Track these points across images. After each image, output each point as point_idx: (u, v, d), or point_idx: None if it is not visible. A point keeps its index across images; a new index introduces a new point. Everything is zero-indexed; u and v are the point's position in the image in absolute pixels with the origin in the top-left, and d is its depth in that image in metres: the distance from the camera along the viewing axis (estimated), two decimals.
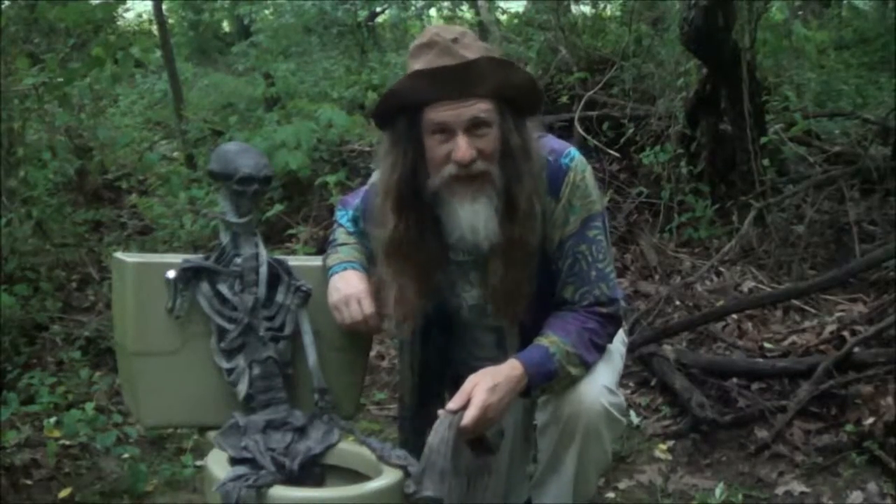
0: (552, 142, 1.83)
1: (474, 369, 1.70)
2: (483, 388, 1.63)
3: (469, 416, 1.60)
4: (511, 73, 1.69)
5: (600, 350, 1.79)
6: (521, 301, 1.78)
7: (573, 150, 1.81)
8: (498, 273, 1.75)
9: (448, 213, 1.73)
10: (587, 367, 1.76)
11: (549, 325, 1.78)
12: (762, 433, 2.72)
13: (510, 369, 1.69)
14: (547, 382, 1.73)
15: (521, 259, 1.75)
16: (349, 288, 1.89)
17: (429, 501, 1.56)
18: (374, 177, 1.93)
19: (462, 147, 1.67)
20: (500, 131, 1.70)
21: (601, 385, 1.76)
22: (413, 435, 1.93)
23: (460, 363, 1.96)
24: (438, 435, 1.59)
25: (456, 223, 1.73)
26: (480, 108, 1.67)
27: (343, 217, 2.07)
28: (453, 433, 1.59)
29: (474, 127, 1.67)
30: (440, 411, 1.63)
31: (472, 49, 1.69)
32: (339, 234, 2.03)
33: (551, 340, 1.74)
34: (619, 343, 1.93)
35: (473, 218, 1.71)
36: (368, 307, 1.88)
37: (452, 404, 1.62)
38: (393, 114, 1.74)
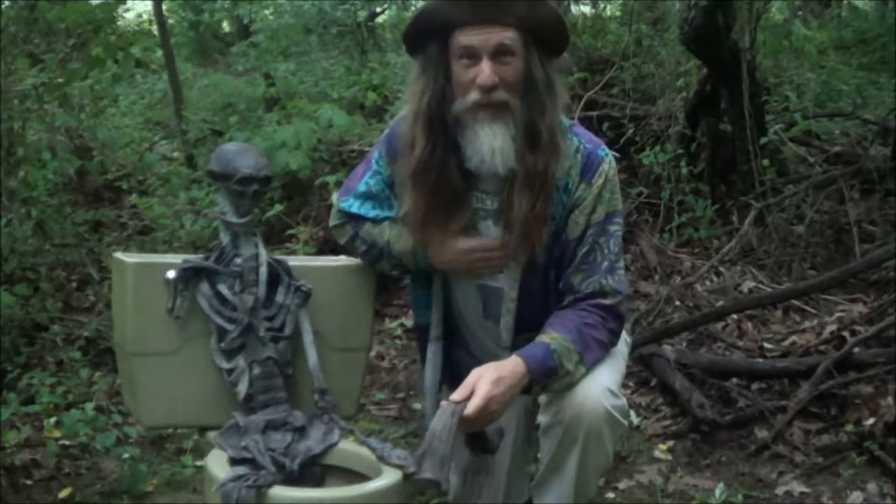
0: (588, 133, 1.89)
1: (471, 357, 1.70)
2: (487, 379, 1.63)
3: (472, 406, 1.60)
4: (539, 6, 1.74)
5: (602, 347, 1.80)
6: (540, 235, 1.79)
7: (607, 148, 1.87)
8: (521, 206, 1.77)
9: (469, 138, 1.77)
10: (587, 364, 1.76)
11: (549, 322, 1.79)
12: (762, 433, 2.72)
13: (514, 364, 1.69)
14: (547, 380, 1.73)
15: (544, 191, 1.77)
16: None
17: (428, 484, 1.55)
18: (400, 114, 1.96)
19: (486, 71, 1.72)
20: (525, 63, 1.75)
21: (603, 387, 1.76)
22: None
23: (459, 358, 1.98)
24: (441, 422, 1.58)
25: (475, 146, 1.76)
26: (507, 35, 1.72)
27: (352, 205, 2.00)
28: (456, 421, 1.58)
29: (500, 54, 1.73)
30: (443, 402, 1.63)
31: None
32: (368, 227, 1.98)
33: (552, 337, 1.74)
34: (622, 344, 1.93)
35: (492, 140, 1.75)
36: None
37: (456, 395, 1.62)
38: (423, 38, 1.79)
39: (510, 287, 1.88)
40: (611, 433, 1.78)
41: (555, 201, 1.81)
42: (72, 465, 2.62)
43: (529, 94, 1.76)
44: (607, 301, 1.81)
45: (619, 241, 1.85)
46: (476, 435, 1.69)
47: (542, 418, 1.85)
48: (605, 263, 1.82)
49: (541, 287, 1.86)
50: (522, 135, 1.76)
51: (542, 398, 1.86)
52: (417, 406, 3.04)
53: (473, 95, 1.74)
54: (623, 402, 1.81)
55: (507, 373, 1.67)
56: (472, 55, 1.73)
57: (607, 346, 1.82)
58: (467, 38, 1.73)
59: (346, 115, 4.68)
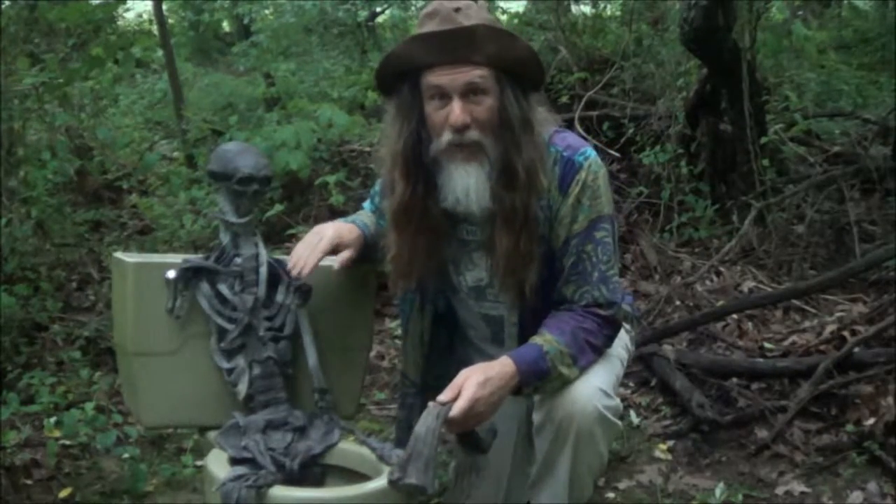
0: (570, 138, 1.85)
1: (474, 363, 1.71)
2: (474, 381, 1.63)
3: (458, 408, 1.60)
4: (509, 43, 1.71)
5: (596, 351, 1.79)
6: (526, 274, 1.78)
7: (590, 150, 1.82)
8: (503, 244, 1.76)
9: (444, 178, 1.76)
10: (580, 368, 1.75)
11: (545, 324, 1.78)
12: (762, 433, 2.72)
13: (502, 366, 1.68)
14: (539, 382, 1.72)
15: (526, 229, 1.76)
16: (324, 227, 1.94)
17: (412, 489, 1.55)
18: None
19: (456, 111, 1.70)
20: (499, 101, 1.73)
21: (595, 387, 1.75)
22: (416, 414, 1.94)
23: (462, 359, 1.97)
24: (425, 424, 1.57)
25: (450, 187, 1.76)
26: (476, 74, 1.70)
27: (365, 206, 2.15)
28: (440, 423, 1.58)
29: (470, 93, 1.70)
30: (430, 402, 1.63)
31: (474, 19, 1.71)
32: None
33: (546, 339, 1.74)
34: (620, 348, 1.92)
35: (466, 180, 1.74)
36: (324, 245, 1.88)
37: (443, 396, 1.62)
38: (395, 81, 1.77)
39: (509, 313, 1.90)
40: (603, 434, 1.77)
41: (540, 221, 1.79)
42: (72, 464, 2.62)
43: (504, 132, 1.73)
44: (603, 312, 1.79)
45: (608, 247, 1.81)
46: (467, 434, 1.68)
47: (535, 417, 1.84)
48: (596, 274, 1.79)
49: (541, 307, 1.83)
50: (498, 173, 1.74)
51: (536, 397, 1.85)
52: None
53: (447, 136, 1.72)
54: (616, 402, 1.79)
55: (494, 374, 1.66)
56: (443, 95, 1.71)
57: (601, 351, 1.81)
58: (437, 78, 1.70)
59: (346, 115, 4.68)
